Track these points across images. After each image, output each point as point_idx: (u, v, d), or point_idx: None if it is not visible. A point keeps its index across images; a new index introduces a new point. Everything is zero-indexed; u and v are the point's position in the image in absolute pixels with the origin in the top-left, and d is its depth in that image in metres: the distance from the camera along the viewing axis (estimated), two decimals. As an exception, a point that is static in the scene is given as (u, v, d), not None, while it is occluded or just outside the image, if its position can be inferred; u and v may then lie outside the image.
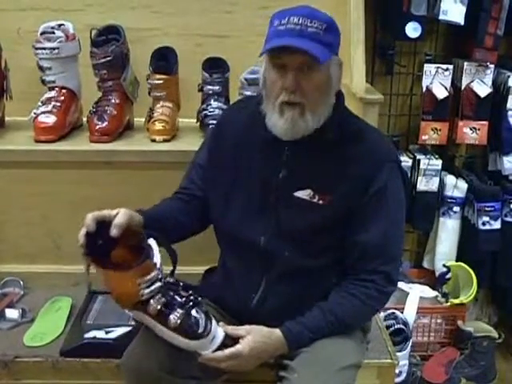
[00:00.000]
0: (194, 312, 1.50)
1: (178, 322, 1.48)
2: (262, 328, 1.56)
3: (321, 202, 1.59)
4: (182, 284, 1.54)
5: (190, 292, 1.53)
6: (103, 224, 1.49)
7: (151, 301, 1.48)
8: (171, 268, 1.55)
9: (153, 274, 1.47)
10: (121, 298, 1.51)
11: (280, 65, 1.53)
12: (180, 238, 1.72)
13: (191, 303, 1.51)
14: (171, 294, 1.51)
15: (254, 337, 1.54)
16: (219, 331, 1.52)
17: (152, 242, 1.51)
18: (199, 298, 1.54)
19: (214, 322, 1.52)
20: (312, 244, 1.62)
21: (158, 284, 1.48)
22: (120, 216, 1.49)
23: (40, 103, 2.17)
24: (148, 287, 1.46)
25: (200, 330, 1.49)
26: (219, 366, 1.53)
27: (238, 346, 1.52)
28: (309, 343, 1.58)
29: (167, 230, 1.62)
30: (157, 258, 1.50)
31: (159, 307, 1.48)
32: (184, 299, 1.51)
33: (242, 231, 1.66)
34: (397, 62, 2.78)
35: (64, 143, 2.17)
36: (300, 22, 1.49)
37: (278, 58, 1.53)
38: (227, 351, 1.51)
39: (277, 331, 1.56)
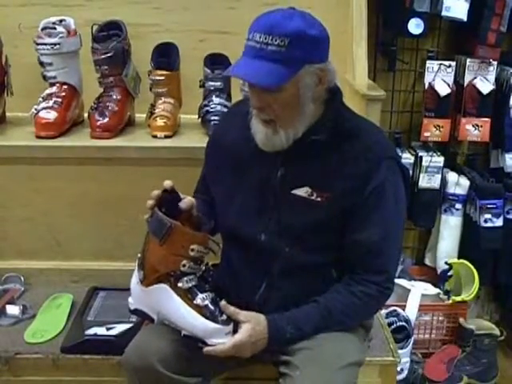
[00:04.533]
0: (221, 302, 1.55)
1: (206, 302, 1.53)
2: (259, 316, 1.57)
3: (319, 199, 1.58)
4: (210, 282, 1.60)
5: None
6: (171, 199, 1.56)
7: (185, 278, 1.53)
8: None
9: (204, 250, 1.54)
10: (161, 262, 1.53)
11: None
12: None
13: (216, 296, 1.57)
14: (202, 279, 1.56)
15: (252, 325, 1.54)
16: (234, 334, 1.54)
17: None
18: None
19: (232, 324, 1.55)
20: (312, 241, 1.61)
21: (197, 266, 1.55)
22: (190, 198, 1.61)
23: (41, 99, 2.17)
24: (192, 260, 1.52)
25: (222, 318, 1.53)
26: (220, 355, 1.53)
27: (237, 336, 1.53)
28: (291, 340, 1.58)
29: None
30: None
31: (191, 285, 1.53)
32: (212, 290, 1.57)
33: (243, 229, 1.66)
34: (399, 59, 2.78)
35: (65, 139, 2.17)
36: (261, 39, 1.47)
37: None
38: (229, 343, 1.52)
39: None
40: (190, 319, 1.52)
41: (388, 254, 1.62)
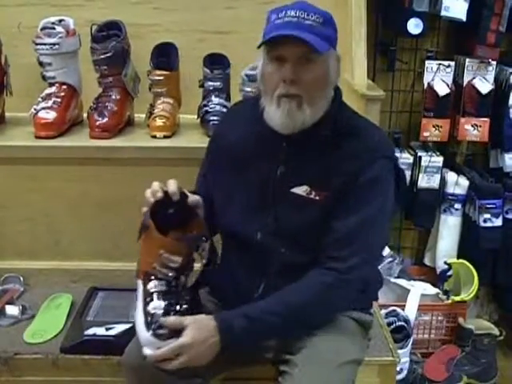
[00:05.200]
0: (172, 315, 1.49)
1: (153, 311, 1.49)
2: (203, 316, 1.51)
3: (317, 197, 1.58)
4: (189, 295, 1.55)
5: (186, 306, 1.52)
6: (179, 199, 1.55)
7: (156, 281, 1.51)
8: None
9: (176, 259, 1.50)
10: (141, 258, 1.54)
11: (278, 57, 1.53)
12: None
13: (177, 309, 1.51)
14: (173, 292, 1.52)
15: (197, 324, 1.48)
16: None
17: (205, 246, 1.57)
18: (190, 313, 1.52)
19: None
20: (309, 240, 1.60)
21: (171, 274, 1.51)
22: (197, 198, 1.60)
23: (40, 99, 2.17)
24: (163, 266, 1.50)
25: (161, 331, 1.46)
26: (170, 365, 1.46)
27: (180, 339, 1.46)
28: (243, 333, 1.50)
29: None
30: (197, 257, 1.55)
31: (155, 290, 1.50)
32: (177, 302, 1.52)
33: (240, 228, 1.66)
34: (398, 59, 2.78)
35: (64, 139, 2.17)
36: (297, 14, 1.50)
37: (276, 50, 1.53)
38: (171, 345, 1.45)
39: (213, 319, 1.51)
40: (137, 321, 1.50)
41: (360, 246, 1.56)
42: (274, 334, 1.58)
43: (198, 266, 1.59)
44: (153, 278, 1.51)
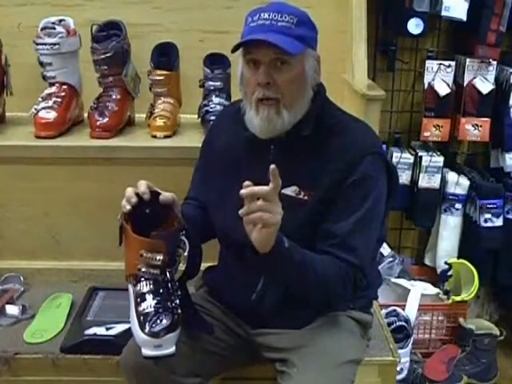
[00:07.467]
0: (163, 315, 1.49)
1: (146, 311, 1.49)
2: None
3: (306, 197, 1.58)
4: (179, 289, 1.55)
5: (178, 301, 1.53)
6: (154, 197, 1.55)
7: (144, 282, 1.50)
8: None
9: (158, 257, 1.49)
10: (126, 262, 1.54)
11: (253, 60, 1.54)
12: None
13: (169, 305, 1.51)
14: (162, 289, 1.51)
15: None
16: (171, 348, 1.49)
17: (185, 239, 1.55)
18: (179, 311, 1.52)
19: (172, 336, 1.49)
20: (300, 239, 1.57)
21: (157, 271, 1.50)
22: (170, 194, 1.55)
23: (40, 99, 2.17)
24: (147, 266, 1.49)
25: (154, 330, 1.47)
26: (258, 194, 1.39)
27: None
28: (287, 253, 1.46)
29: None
30: (180, 251, 1.53)
31: (144, 290, 1.50)
32: (168, 299, 1.51)
33: (234, 231, 1.63)
34: (399, 59, 2.78)
35: (64, 139, 2.17)
36: (270, 17, 1.51)
37: (249, 53, 1.54)
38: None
39: None
40: (132, 324, 1.50)
41: (359, 249, 1.56)
42: (296, 279, 1.53)
43: (182, 259, 1.57)
44: (141, 279, 1.51)
